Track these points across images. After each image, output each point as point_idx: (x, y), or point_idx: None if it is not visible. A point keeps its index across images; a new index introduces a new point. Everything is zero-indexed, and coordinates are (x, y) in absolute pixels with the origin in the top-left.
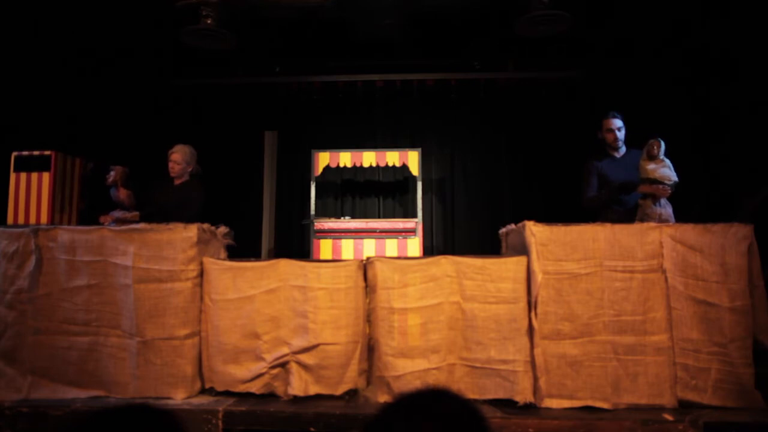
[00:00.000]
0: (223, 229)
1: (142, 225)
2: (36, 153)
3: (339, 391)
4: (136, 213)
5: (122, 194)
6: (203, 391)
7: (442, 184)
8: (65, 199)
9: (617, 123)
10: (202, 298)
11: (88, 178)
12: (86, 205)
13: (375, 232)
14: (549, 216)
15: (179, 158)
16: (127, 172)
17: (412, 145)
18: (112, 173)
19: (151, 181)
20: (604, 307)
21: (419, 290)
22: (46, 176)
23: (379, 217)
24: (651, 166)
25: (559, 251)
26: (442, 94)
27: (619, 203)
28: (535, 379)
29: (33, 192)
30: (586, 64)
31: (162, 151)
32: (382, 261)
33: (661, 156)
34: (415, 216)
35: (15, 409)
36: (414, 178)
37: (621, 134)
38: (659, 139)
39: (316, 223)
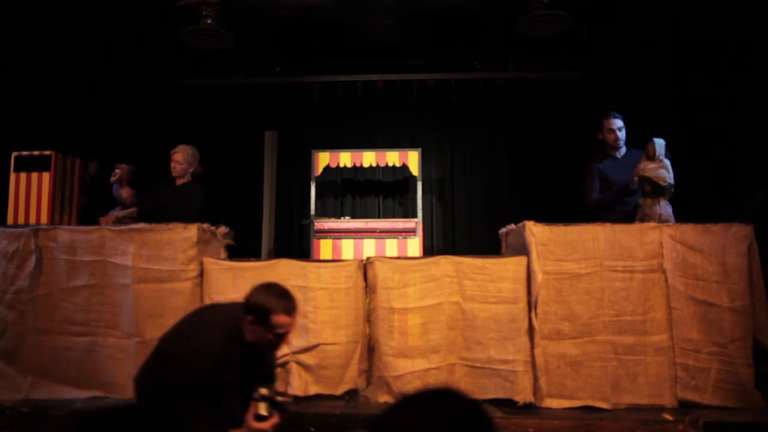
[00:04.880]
0: (223, 229)
1: (142, 225)
2: (36, 153)
3: (339, 391)
4: (134, 209)
5: (125, 193)
6: None
7: (442, 184)
8: (65, 199)
9: (618, 123)
10: (202, 298)
11: (94, 178)
12: (86, 203)
13: (375, 232)
14: (549, 216)
15: (181, 158)
16: (133, 171)
17: (412, 145)
18: (118, 171)
19: (153, 180)
20: (604, 307)
21: (419, 290)
22: (46, 176)
23: (379, 217)
24: (650, 165)
25: (559, 251)
26: (442, 94)
27: (621, 203)
28: (535, 379)
29: (33, 192)
30: (586, 64)
31: (162, 151)
32: (382, 261)
33: (659, 156)
34: (415, 216)
35: (15, 409)
36: (414, 178)
37: (622, 134)
38: (653, 139)
39: (316, 223)
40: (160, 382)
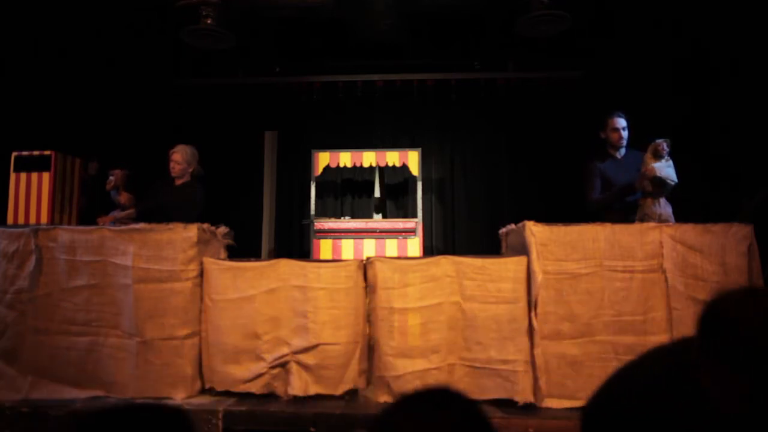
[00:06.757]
0: (223, 229)
1: (142, 225)
2: (36, 153)
3: (339, 391)
4: (132, 210)
5: (123, 198)
6: (203, 391)
7: (442, 184)
8: (65, 199)
9: (623, 123)
10: (202, 298)
11: (94, 178)
12: (86, 203)
13: (375, 232)
14: (549, 216)
15: (180, 158)
16: (128, 175)
17: (412, 145)
18: (112, 178)
19: (153, 180)
20: (605, 307)
21: (419, 290)
22: (46, 176)
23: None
24: (657, 164)
25: (559, 251)
26: (442, 94)
27: (620, 203)
28: (536, 379)
29: (33, 192)
30: (586, 64)
31: (162, 151)
32: (382, 261)
33: (667, 156)
34: (415, 216)
35: (15, 409)
36: (414, 178)
37: (626, 134)
38: (667, 139)
39: (316, 223)
40: None
